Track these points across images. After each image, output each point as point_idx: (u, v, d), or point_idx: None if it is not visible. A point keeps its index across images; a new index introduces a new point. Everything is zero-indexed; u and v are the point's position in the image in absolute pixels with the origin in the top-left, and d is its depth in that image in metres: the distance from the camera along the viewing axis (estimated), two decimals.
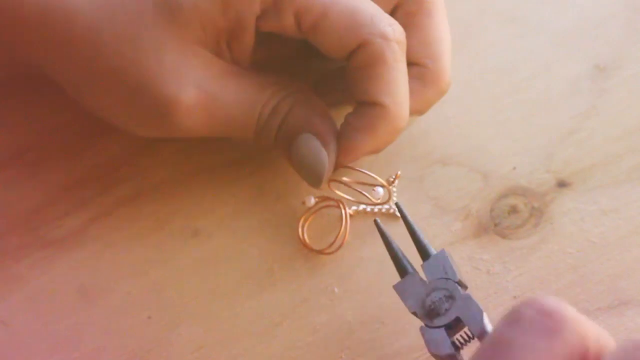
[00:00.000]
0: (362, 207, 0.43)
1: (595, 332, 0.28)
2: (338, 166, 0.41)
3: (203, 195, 0.44)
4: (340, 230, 0.42)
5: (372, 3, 0.39)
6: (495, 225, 0.42)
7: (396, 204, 0.40)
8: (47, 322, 0.41)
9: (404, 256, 0.38)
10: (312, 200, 0.42)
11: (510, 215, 0.42)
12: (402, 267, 0.37)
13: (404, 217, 0.39)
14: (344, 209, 0.42)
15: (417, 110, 0.41)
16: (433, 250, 0.37)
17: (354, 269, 0.41)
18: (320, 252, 0.42)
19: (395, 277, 0.37)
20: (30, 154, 0.45)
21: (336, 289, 0.41)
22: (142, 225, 0.43)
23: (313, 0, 0.38)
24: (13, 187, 0.44)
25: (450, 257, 0.37)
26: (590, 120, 0.45)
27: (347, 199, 0.43)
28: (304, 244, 0.42)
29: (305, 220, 0.42)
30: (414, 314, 0.36)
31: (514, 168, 0.43)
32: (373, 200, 0.42)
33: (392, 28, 0.38)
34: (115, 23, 0.38)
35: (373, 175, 0.42)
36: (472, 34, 0.49)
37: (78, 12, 0.39)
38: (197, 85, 0.39)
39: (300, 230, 0.42)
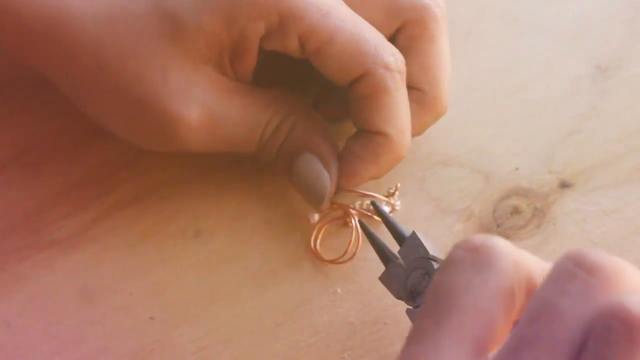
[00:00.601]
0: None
1: (536, 262, 0.28)
2: (339, 190, 0.41)
3: (205, 196, 0.44)
4: (351, 240, 0.42)
5: (376, 31, 0.39)
6: (498, 226, 0.42)
7: (372, 202, 0.41)
8: (49, 323, 0.41)
9: (387, 247, 0.39)
10: (316, 217, 0.42)
11: (512, 216, 0.42)
12: (385, 257, 0.39)
13: (378, 212, 0.40)
14: (354, 218, 0.42)
15: (413, 133, 0.41)
16: (407, 233, 0.38)
17: (356, 269, 0.41)
18: (333, 262, 0.41)
19: None
20: (31, 155, 0.45)
21: (339, 290, 0.41)
22: (143, 226, 0.43)
23: (318, 25, 0.38)
24: (15, 188, 0.44)
25: (422, 236, 0.38)
26: (591, 120, 0.45)
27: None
28: (317, 256, 0.42)
29: (318, 232, 0.42)
30: (400, 299, 0.37)
31: (517, 169, 0.43)
32: (375, 217, 0.42)
33: (394, 58, 0.39)
34: (119, 38, 0.38)
35: (373, 194, 0.42)
36: (472, 34, 0.49)
37: (81, 26, 0.39)
38: (201, 103, 0.39)
39: (312, 242, 0.42)
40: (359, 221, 0.41)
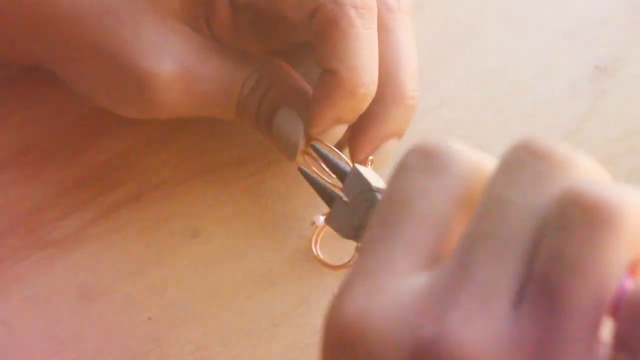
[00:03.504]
0: None
1: (494, 162, 0.27)
2: (308, 139, 0.40)
3: (203, 196, 0.44)
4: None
5: None
6: None
7: (312, 145, 0.40)
8: (48, 323, 0.41)
9: (330, 188, 0.38)
10: (322, 219, 0.42)
11: None
12: (327, 196, 0.38)
13: (317, 151, 0.39)
14: None
15: (392, 133, 0.41)
16: (347, 168, 0.37)
17: None
18: (340, 267, 0.41)
19: None
20: (30, 155, 0.45)
21: (336, 290, 0.41)
22: (142, 226, 0.43)
23: None
24: (13, 187, 0.44)
25: (365, 170, 0.36)
26: (591, 120, 0.45)
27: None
28: (321, 262, 0.42)
29: (317, 236, 0.42)
30: (349, 238, 0.36)
31: None
32: (337, 185, 0.41)
33: None
34: None
35: (342, 155, 0.40)
36: (472, 34, 0.49)
37: None
38: (176, 59, 0.39)
39: (314, 247, 0.42)
40: (299, 169, 0.40)
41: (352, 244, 0.42)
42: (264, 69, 0.40)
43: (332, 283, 0.41)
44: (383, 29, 0.40)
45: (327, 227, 0.42)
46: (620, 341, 0.23)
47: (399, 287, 0.25)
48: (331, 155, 0.39)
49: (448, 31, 0.48)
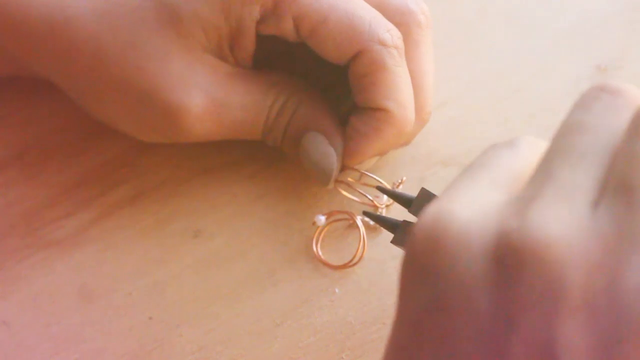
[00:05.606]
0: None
1: None
2: (344, 168, 0.41)
3: (204, 196, 0.44)
4: (358, 245, 0.41)
5: (370, 8, 0.39)
6: None
7: (377, 187, 0.40)
8: (48, 323, 0.41)
9: (392, 218, 0.39)
10: (323, 219, 0.42)
11: None
12: (391, 226, 0.38)
13: (381, 189, 0.40)
14: (356, 219, 0.42)
15: (400, 143, 0.42)
16: (413, 195, 0.38)
17: (354, 269, 0.41)
18: (341, 267, 0.41)
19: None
20: (31, 155, 0.45)
21: (337, 290, 0.41)
22: (143, 226, 0.43)
23: (311, 6, 0.38)
24: (14, 187, 0.44)
25: (432, 192, 0.37)
26: None
27: (353, 203, 0.43)
28: (322, 261, 0.42)
29: (318, 235, 0.42)
30: None
31: None
32: (378, 205, 0.42)
33: (390, 34, 0.38)
34: (118, 32, 0.38)
35: (379, 179, 0.41)
36: (472, 34, 0.49)
37: (81, 24, 0.39)
38: (204, 91, 0.39)
39: (315, 247, 0.42)
40: (364, 212, 0.40)
41: (352, 245, 0.42)
42: (288, 90, 0.41)
43: (332, 283, 0.41)
44: (412, 44, 0.41)
45: (328, 227, 0.42)
46: None
47: (483, 196, 0.26)
48: (396, 189, 0.41)
49: (448, 31, 0.48)
